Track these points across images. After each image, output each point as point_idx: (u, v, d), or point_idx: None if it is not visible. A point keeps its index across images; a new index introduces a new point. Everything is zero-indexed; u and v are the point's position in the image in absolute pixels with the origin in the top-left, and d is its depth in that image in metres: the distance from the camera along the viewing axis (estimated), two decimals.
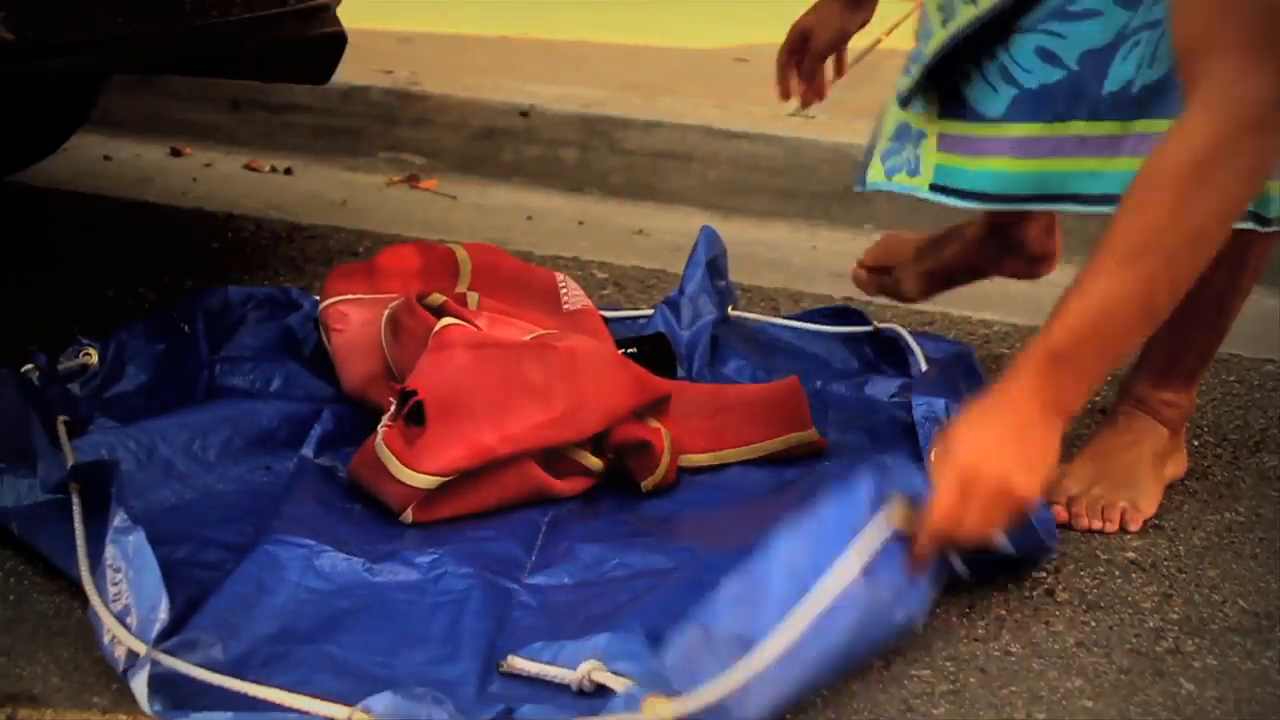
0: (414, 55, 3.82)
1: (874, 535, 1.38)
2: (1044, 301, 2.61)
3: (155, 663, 1.28)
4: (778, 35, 2.11)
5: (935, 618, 1.50)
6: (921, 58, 1.80)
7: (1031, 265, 2.14)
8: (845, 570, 1.35)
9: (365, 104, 3.40)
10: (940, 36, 1.76)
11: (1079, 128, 1.71)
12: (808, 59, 2.08)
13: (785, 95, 2.11)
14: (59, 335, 1.92)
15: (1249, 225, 1.65)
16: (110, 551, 1.37)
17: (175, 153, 3.33)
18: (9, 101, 2.56)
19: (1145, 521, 1.73)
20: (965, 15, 1.74)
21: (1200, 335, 1.78)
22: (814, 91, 2.10)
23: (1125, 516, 1.71)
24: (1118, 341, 1.49)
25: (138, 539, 1.36)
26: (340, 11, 2.29)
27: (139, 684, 1.27)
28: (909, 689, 1.38)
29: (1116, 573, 1.61)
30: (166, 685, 1.27)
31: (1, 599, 1.46)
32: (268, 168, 3.24)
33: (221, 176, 3.16)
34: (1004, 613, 1.52)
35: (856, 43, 2.12)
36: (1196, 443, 1.95)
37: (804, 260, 2.75)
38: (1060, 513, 1.71)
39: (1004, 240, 2.11)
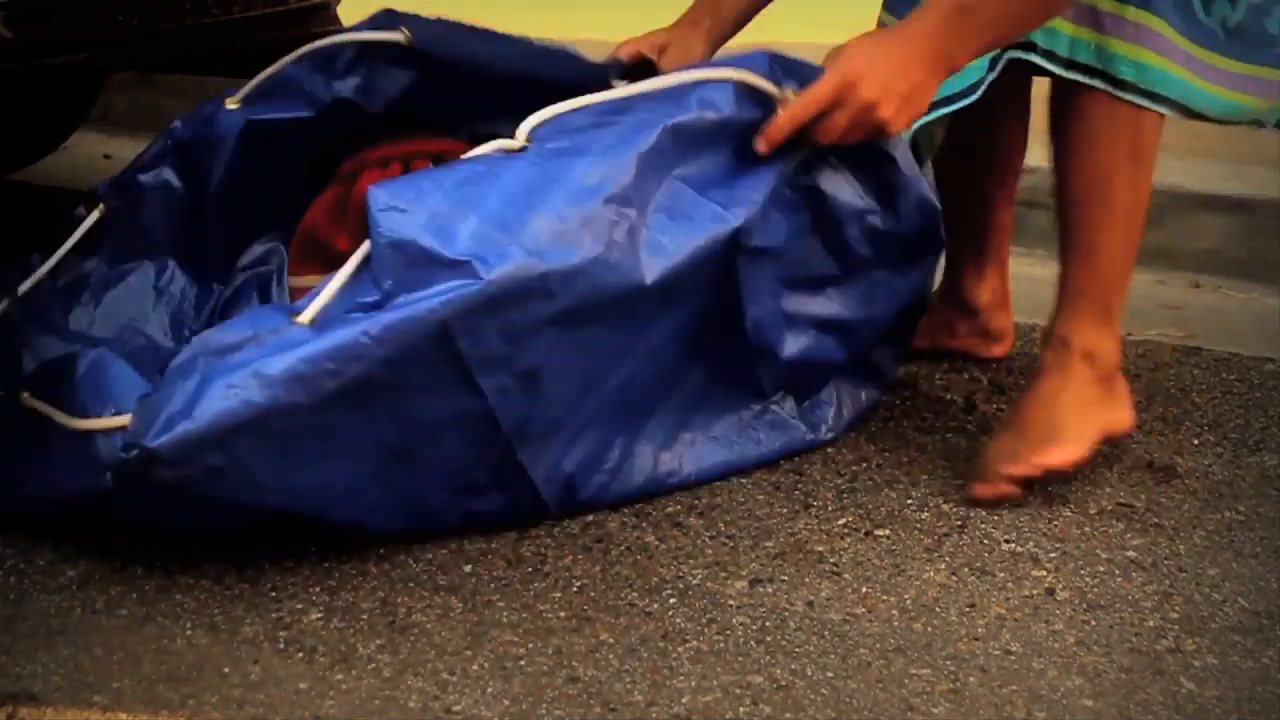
0: None
1: (738, 74, 1.64)
2: (1044, 299, 2.62)
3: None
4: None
5: (935, 616, 1.50)
6: None
7: (987, 341, 2.18)
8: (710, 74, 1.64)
9: None
10: None
11: None
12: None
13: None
14: None
15: (1099, 84, 1.73)
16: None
17: None
18: (9, 100, 2.57)
19: (1063, 462, 1.73)
20: None
21: (1100, 245, 1.78)
22: None
23: (1042, 458, 1.72)
24: (1019, 4, 1.65)
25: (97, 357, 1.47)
26: (340, 10, 2.29)
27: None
28: (909, 688, 1.38)
29: (1117, 571, 1.62)
30: None
31: (1, 598, 1.46)
32: None
33: None
34: (1004, 611, 1.53)
35: None
36: (1197, 441, 1.96)
37: None
38: (984, 489, 1.73)
39: (959, 304, 2.15)
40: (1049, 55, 1.75)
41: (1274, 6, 1.77)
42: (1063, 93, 1.77)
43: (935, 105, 1.72)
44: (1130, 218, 1.79)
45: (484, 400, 1.48)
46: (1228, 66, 1.77)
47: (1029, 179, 3.12)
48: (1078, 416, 1.77)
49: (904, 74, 1.62)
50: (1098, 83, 1.74)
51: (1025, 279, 2.86)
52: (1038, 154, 3.23)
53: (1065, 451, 1.75)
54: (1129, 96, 1.74)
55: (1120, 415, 1.84)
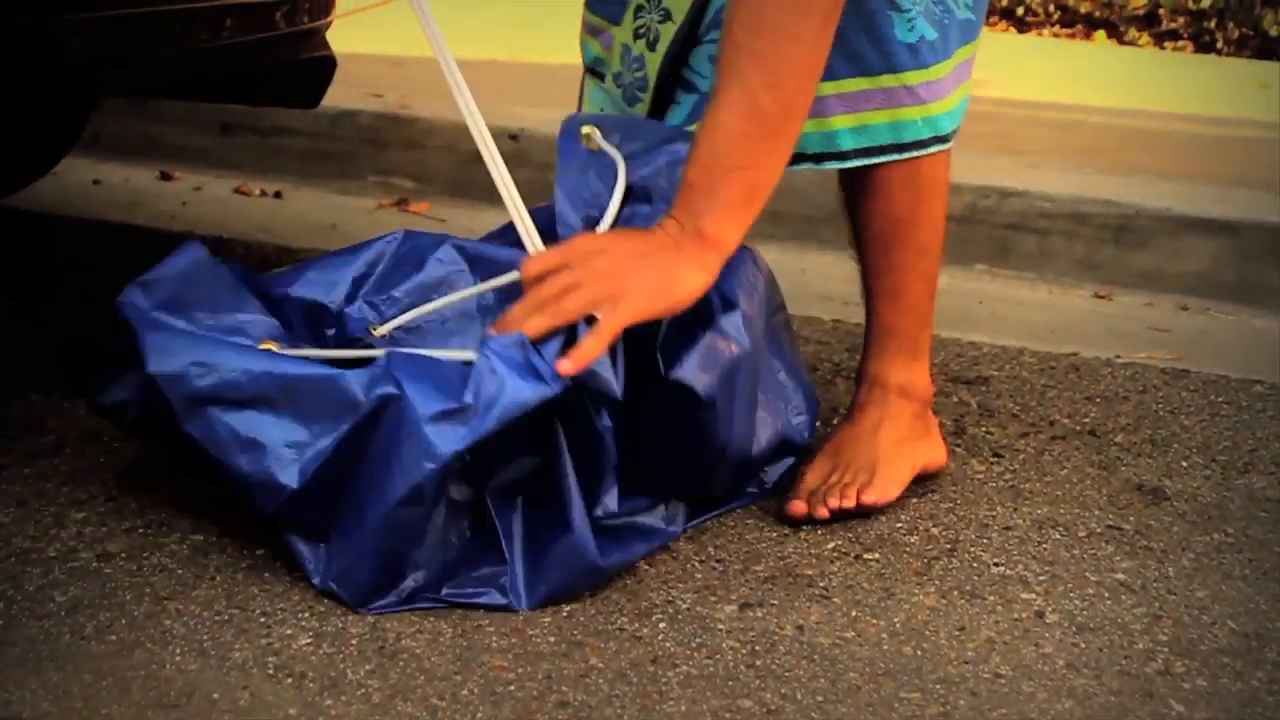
0: (404, 79, 3.83)
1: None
2: (1034, 324, 2.63)
3: None
4: None
5: (925, 639, 1.51)
6: (642, 84, 1.83)
7: None
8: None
9: (355, 127, 3.41)
10: (656, 58, 1.80)
11: None
12: None
13: None
14: (44, 360, 1.91)
15: (893, 157, 1.73)
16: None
17: (165, 176, 3.33)
18: None
19: (880, 502, 1.74)
20: (668, 33, 1.80)
21: (906, 283, 1.80)
22: None
23: (860, 494, 1.73)
24: (741, 154, 1.56)
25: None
26: (330, 35, 2.30)
27: None
28: (899, 711, 1.38)
29: (1106, 594, 1.62)
30: None
31: None
32: (257, 191, 3.25)
33: (211, 200, 3.17)
34: (994, 634, 1.53)
35: None
36: (1185, 463, 1.96)
37: (793, 283, 2.75)
38: (799, 505, 1.73)
39: None
40: (838, 157, 1.74)
41: None
42: None
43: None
44: (931, 251, 1.81)
45: None
46: (968, 53, 1.79)
47: (1016, 202, 3.14)
48: (895, 454, 1.79)
49: (645, 260, 1.56)
50: (892, 156, 1.74)
51: (1014, 301, 2.88)
52: (1022, 177, 3.26)
53: (881, 491, 1.76)
54: (928, 150, 1.75)
55: (934, 452, 1.86)
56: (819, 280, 2.77)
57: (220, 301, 1.62)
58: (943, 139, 1.76)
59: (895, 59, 1.70)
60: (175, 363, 1.55)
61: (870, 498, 1.74)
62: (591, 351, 1.50)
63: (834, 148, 1.73)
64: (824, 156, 1.74)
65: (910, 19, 1.70)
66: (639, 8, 1.82)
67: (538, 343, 1.50)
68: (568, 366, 1.48)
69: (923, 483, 1.85)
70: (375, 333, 1.69)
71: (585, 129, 1.71)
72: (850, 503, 1.73)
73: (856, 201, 1.81)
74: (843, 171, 1.80)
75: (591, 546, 1.53)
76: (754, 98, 1.55)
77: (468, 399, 1.46)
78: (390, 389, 1.48)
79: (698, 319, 1.60)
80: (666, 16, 1.79)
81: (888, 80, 1.71)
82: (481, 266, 1.73)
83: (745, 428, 1.68)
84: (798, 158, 1.73)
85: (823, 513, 1.72)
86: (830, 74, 1.68)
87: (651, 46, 1.81)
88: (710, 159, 1.56)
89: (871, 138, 1.73)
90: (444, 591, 1.52)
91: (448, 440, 1.45)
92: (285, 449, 1.52)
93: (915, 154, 1.74)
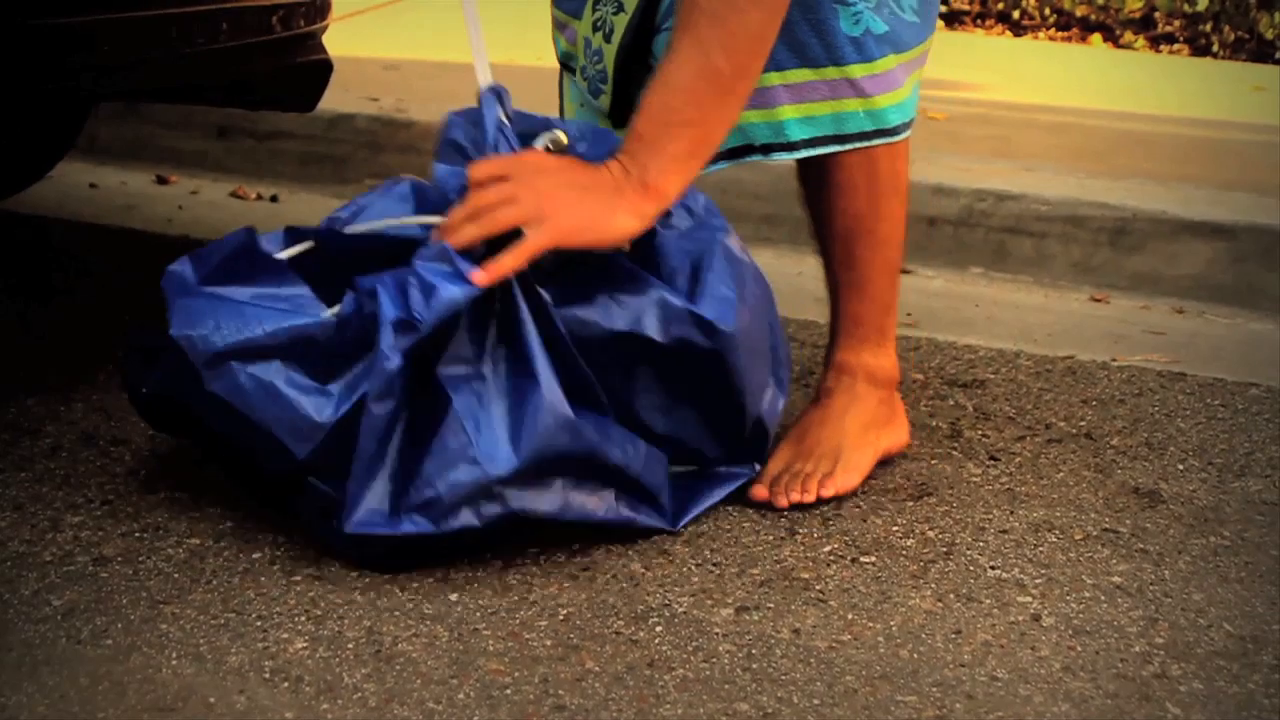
0: (400, 82, 3.83)
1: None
2: (1030, 327, 2.63)
3: None
4: None
5: (921, 643, 1.51)
6: (602, 76, 1.84)
7: None
8: None
9: (351, 131, 3.40)
10: (612, 50, 1.82)
11: None
12: None
13: None
14: (41, 363, 1.92)
15: (834, 149, 1.75)
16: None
17: (161, 180, 3.33)
18: None
19: (841, 491, 1.78)
20: (620, 24, 1.81)
21: (870, 275, 1.83)
22: None
23: (821, 485, 1.76)
24: (691, 110, 1.59)
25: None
26: (326, 39, 2.30)
27: None
28: (895, 715, 1.38)
29: (1102, 597, 1.62)
30: None
31: None
32: (253, 195, 3.24)
33: (207, 204, 3.16)
34: (990, 638, 1.53)
35: None
36: (1181, 466, 1.96)
37: (789, 286, 2.75)
38: (760, 491, 1.75)
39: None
40: (786, 148, 1.75)
41: None
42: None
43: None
44: (894, 242, 1.83)
45: None
46: (919, 52, 1.79)
47: (1012, 205, 3.14)
48: (860, 440, 1.83)
49: (582, 191, 1.60)
50: (834, 147, 1.75)
51: (1010, 304, 2.88)
52: (1018, 180, 3.26)
53: (842, 481, 1.79)
54: (872, 142, 1.76)
55: (898, 434, 1.89)
56: (815, 283, 2.75)
57: (260, 277, 1.66)
58: (888, 132, 1.77)
59: (839, 51, 1.71)
60: (197, 324, 1.59)
61: (829, 491, 1.77)
62: (508, 265, 1.55)
63: (782, 138, 1.75)
64: (772, 148, 1.76)
65: (855, 12, 1.71)
66: (596, 1, 1.84)
67: (469, 249, 1.57)
68: (481, 277, 1.55)
69: (919, 486, 1.85)
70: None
71: (558, 132, 1.72)
72: (810, 497, 1.76)
73: (817, 199, 1.83)
74: (801, 168, 1.81)
75: (561, 398, 1.56)
76: (709, 56, 1.58)
77: (414, 313, 1.54)
78: (373, 307, 1.57)
79: (617, 283, 1.65)
80: (620, 8, 1.80)
81: (831, 72, 1.72)
82: (429, 207, 1.74)
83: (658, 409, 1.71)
84: (745, 150, 1.76)
85: (783, 503, 1.75)
86: (777, 65, 1.70)
87: (607, 38, 1.82)
88: (661, 112, 1.60)
89: (817, 128, 1.75)
90: (426, 492, 1.55)
91: (398, 344, 1.54)
92: (316, 393, 1.57)
93: (856, 145, 1.76)
